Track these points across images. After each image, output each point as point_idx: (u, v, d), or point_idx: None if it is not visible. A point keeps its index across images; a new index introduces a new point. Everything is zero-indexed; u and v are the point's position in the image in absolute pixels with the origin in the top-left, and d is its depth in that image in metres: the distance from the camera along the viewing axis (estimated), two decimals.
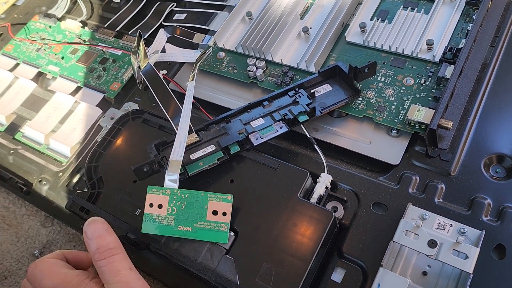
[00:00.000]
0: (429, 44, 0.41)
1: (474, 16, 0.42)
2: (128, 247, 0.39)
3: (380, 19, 0.45)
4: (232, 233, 0.35)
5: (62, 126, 0.50)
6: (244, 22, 0.50)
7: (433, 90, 0.40)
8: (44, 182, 0.46)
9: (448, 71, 0.39)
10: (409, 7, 0.45)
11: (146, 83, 0.42)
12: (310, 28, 0.47)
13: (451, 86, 0.37)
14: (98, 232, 0.32)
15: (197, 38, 0.52)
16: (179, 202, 0.35)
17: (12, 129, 0.52)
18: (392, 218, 0.35)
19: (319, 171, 0.37)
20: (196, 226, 0.35)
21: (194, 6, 0.56)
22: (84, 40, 0.57)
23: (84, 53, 0.55)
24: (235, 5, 0.51)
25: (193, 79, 0.41)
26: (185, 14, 0.55)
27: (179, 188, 0.36)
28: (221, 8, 0.54)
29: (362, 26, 0.44)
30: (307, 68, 0.44)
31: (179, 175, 0.36)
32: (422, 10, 0.44)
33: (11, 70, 0.57)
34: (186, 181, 0.37)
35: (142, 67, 0.44)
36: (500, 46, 0.42)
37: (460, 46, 0.40)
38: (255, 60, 0.46)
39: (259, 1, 0.52)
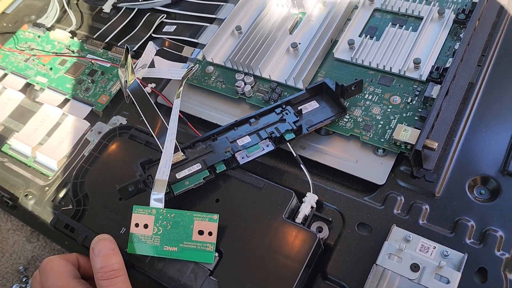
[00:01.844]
0: (417, 62, 0.42)
1: (461, 35, 0.43)
2: None
3: (368, 35, 0.45)
4: (216, 254, 0.35)
5: (50, 139, 0.49)
6: (234, 36, 0.50)
7: (419, 110, 0.40)
8: (30, 196, 0.46)
9: (435, 91, 0.39)
10: (398, 24, 0.45)
11: (132, 100, 0.42)
12: (299, 43, 0.47)
13: (437, 106, 0.37)
14: (105, 251, 0.34)
15: (186, 51, 0.52)
16: (165, 222, 0.35)
17: None
18: (376, 239, 0.35)
19: (305, 190, 0.37)
20: (182, 246, 0.35)
21: (184, 18, 0.56)
22: (73, 51, 0.56)
23: (73, 64, 0.55)
24: (225, 18, 0.50)
25: (178, 97, 0.41)
26: (175, 26, 0.55)
27: (164, 207, 0.36)
28: (211, 21, 0.54)
29: (351, 43, 0.45)
30: (295, 85, 0.44)
31: (165, 194, 0.36)
32: (411, 27, 0.45)
33: None
34: (172, 200, 0.37)
35: (128, 83, 0.43)
36: (487, 65, 0.42)
37: (447, 65, 0.40)
38: (243, 75, 0.46)
39: (248, 15, 0.51)
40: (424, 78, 0.41)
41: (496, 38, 0.43)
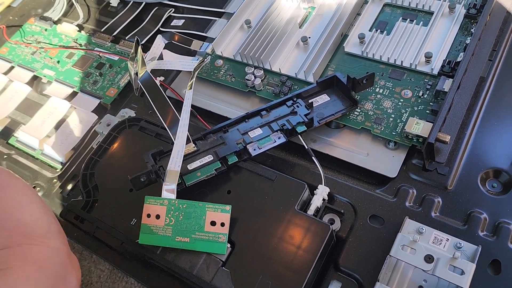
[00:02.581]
0: (428, 56, 0.42)
1: (472, 30, 0.43)
2: (122, 257, 0.39)
3: (379, 30, 0.45)
4: (228, 245, 0.34)
5: (57, 131, 0.49)
6: (243, 30, 0.50)
7: (431, 103, 0.40)
8: (38, 188, 0.45)
9: (446, 84, 0.39)
10: (408, 19, 0.45)
11: (143, 91, 0.42)
12: (309, 37, 0.47)
13: (449, 99, 0.37)
14: None
15: (195, 45, 0.52)
16: (177, 213, 0.35)
17: (6, 133, 0.52)
18: (388, 231, 0.35)
19: (317, 183, 0.37)
20: (194, 237, 0.35)
21: (192, 12, 0.55)
22: (80, 44, 0.56)
23: (80, 57, 0.55)
24: (234, 12, 0.50)
25: (191, 88, 0.41)
26: (183, 20, 0.55)
27: (176, 198, 0.36)
28: (220, 15, 0.54)
29: (361, 37, 0.44)
30: (305, 78, 0.44)
31: (177, 185, 0.36)
32: (421, 22, 0.45)
33: (5, 73, 0.56)
34: (183, 191, 0.37)
35: (139, 74, 0.43)
36: (498, 60, 0.42)
37: (459, 59, 0.40)
38: (253, 68, 0.46)
39: (258, 9, 0.51)
40: (435, 72, 0.41)
41: (507, 33, 0.43)
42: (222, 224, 0.34)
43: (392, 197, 0.37)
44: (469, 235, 0.34)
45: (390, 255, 0.32)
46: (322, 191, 0.37)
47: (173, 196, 0.35)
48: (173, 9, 0.57)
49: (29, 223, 0.30)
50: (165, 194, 0.35)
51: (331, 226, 0.34)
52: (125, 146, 0.42)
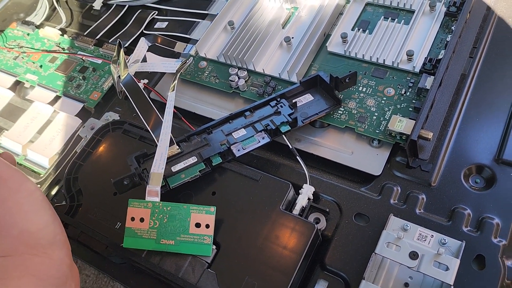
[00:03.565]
0: (409, 55, 0.42)
1: (453, 27, 0.43)
2: (108, 261, 0.38)
3: (361, 29, 0.46)
4: (214, 247, 0.34)
5: (40, 136, 0.49)
6: (226, 31, 0.50)
7: (413, 101, 0.40)
8: None
9: (428, 82, 0.39)
10: (390, 18, 0.46)
11: (126, 94, 0.41)
12: (292, 37, 0.47)
13: (431, 97, 0.38)
14: None
15: (179, 47, 0.51)
16: (161, 215, 0.35)
17: None
18: (374, 229, 0.35)
19: (301, 182, 0.37)
20: (179, 239, 0.34)
21: (176, 14, 0.55)
22: (63, 48, 0.56)
23: (63, 61, 0.54)
24: (217, 14, 0.50)
25: (173, 90, 0.40)
26: (166, 23, 0.55)
27: (160, 200, 0.35)
28: (203, 17, 0.54)
29: (344, 37, 0.45)
30: (289, 78, 0.44)
31: (161, 187, 0.36)
32: (403, 20, 0.45)
33: None
34: (168, 194, 0.36)
35: (122, 77, 0.43)
36: (479, 57, 0.42)
37: (440, 57, 0.41)
38: (237, 69, 0.46)
39: (241, 10, 0.51)
40: (417, 69, 0.41)
41: (487, 30, 0.44)
42: (207, 226, 0.34)
43: (377, 195, 0.37)
44: (454, 231, 0.34)
45: (375, 253, 0.32)
46: (307, 191, 0.37)
47: (157, 198, 0.35)
48: (157, 12, 0.56)
49: (34, 232, 0.29)
50: (149, 197, 0.35)
51: (316, 225, 0.34)
52: (109, 149, 0.42)
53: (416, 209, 0.36)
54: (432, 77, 0.39)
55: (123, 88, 0.42)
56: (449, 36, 0.42)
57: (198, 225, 0.34)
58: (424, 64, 0.41)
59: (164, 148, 0.37)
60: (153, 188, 0.35)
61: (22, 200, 0.30)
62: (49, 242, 0.30)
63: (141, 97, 0.41)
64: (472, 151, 0.38)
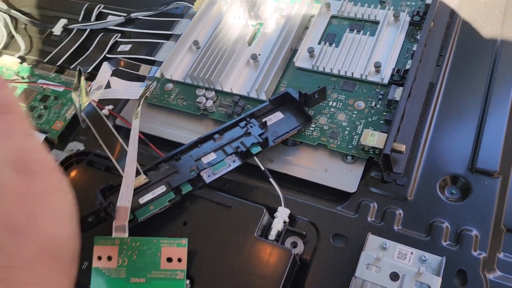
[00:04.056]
0: (377, 66, 0.41)
1: (418, 36, 0.43)
2: None
3: (327, 42, 0.45)
4: (187, 281, 0.33)
5: None
6: (192, 51, 0.49)
7: (384, 113, 0.40)
8: None
9: (397, 93, 0.39)
10: (355, 30, 0.45)
11: (88, 124, 0.40)
12: (259, 54, 0.46)
13: (401, 108, 0.37)
14: None
15: (144, 69, 0.50)
16: (130, 252, 0.33)
17: None
18: (352, 250, 0.34)
19: (276, 205, 0.36)
20: (150, 277, 0.32)
21: (139, 36, 0.54)
22: (22, 77, 0.53)
23: (23, 91, 0.52)
24: (181, 34, 0.49)
25: (137, 117, 0.39)
26: (130, 45, 0.53)
27: (129, 236, 0.33)
28: (167, 37, 0.52)
29: (311, 51, 0.44)
30: (258, 97, 0.43)
31: (128, 221, 0.34)
32: (368, 32, 0.45)
33: None
34: (136, 227, 0.35)
35: (83, 106, 0.41)
36: (445, 65, 0.42)
37: (407, 67, 0.40)
38: (204, 90, 0.45)
39: (205, 29, 0.50)
40: (386, 81, 0.41)
41: (452, 38, 0.44)
42: (179, 260, 0.33)
43: (354, 213, 0.36)
44: (433, 246, 0.33)
45: (355, 276, 0.31)
46: (283, 213, 0.35)
47: (125, 234, 0.33)
48: (119, 34, 0.55)
49: (62, 242, 0.25)
50: (116, 233, 0.33)
51: (293, 251, 0.32)
52: (74, 183, 0.40)
53: (394, 226, 0.35)
54: (401, 88, 0.39)
55: (85, 117, 0.40)
56: (415, 45, 0.42)
57: (169, 259, 0.33)
58: (392, 75, 0.40)
59: (130, 179, 0.35)
60: (120, 224, 0.33)
61: (58, 201, 0.26)
62: (70, 258, 0.26)
63: (104, 126, 0.39)
64: (446, 161, 0.37)
